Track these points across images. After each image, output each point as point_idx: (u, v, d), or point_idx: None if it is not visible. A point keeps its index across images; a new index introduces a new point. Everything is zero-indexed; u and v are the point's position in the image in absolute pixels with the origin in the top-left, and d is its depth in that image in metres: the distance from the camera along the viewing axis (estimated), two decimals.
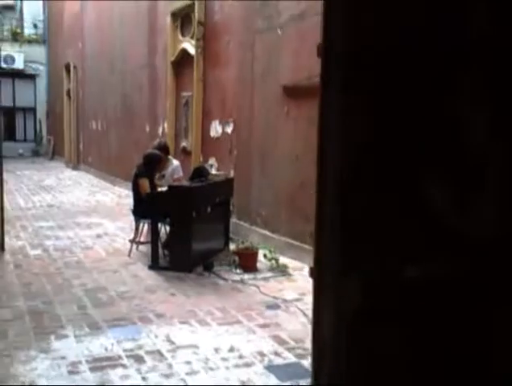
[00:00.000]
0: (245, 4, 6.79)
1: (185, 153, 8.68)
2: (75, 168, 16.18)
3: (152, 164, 6.03)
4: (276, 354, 3.49)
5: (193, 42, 8.05)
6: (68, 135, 16.93)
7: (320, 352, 1.15)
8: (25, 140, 21.45)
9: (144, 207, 5.79)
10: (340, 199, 1.07)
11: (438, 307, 1.00)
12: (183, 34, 8.65)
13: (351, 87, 1.05)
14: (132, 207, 6.25)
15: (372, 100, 1.00)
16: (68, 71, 16.51)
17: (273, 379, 3.13)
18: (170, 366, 3.30)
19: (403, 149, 1.00)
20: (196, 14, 7.82)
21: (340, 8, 1.06)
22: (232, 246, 6.11)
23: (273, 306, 4.41)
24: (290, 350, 3.54)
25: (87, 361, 3.34)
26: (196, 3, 7.80)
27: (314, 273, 1.22)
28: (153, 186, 5.97)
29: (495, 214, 0.92)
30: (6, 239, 6.37)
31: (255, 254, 5.55)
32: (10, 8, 20.89)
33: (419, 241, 1.02)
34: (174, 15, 8.75)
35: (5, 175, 6.56)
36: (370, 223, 1.08)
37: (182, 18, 8.64)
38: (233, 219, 6.86)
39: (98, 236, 7.06)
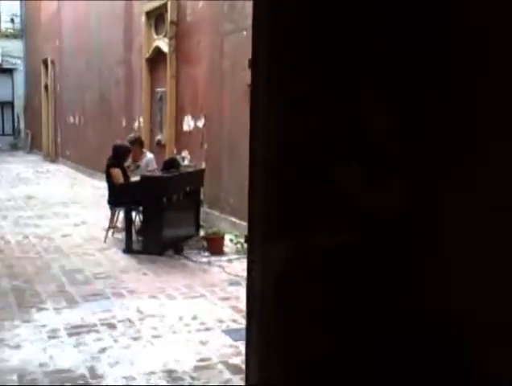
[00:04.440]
0: (214, 7, 7.23)
1: (160, 146, 9.10)
2: (53, 161, 16.43)
3: (120, 155, 6.45)
4: (233, 321, 3.98)
5: (166, 40, 8.46)
6: (46, 129, 17.16)
7: (251, 309, 1.37)
8: (3, 134, 21.54)
9: (118, 196, 6.21)
10: (265, 182, 1.31)
11: (350, 269, 1.20)
12: (157, 33, 9.05)
13: (273, 92, 1.36)
14: (107, 197, 6.66)
15: (289, 103, 1.23)
16: (46, 66, 16.72)
17: (228, 340, 3.62)
18: (138, 331, 3.76)
19: (317, 141, 1.21)
20: (169, 15, 8.23)
21: (266, 31, 1.28)
22: (202, 232, 6.56)
23: (235, 283, 4.88)
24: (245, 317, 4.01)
25: (65, 328, 3.78)
26: (169, 4, 8.21)
27: (247, 239, 1.60)
28: (125, 175, 6.39)
29: (396, 191, 1.12)
30: None
31: (222, 238, 6.02)
32: None
33: (334, 215, 1.21)
34: (148, 14, 9.14)
35: None
36: (291, 199, 1.41)
37: (156, 18, 9.03)
38: (204, 208, 7.30)
39: (76, 225, 7.44)
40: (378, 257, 1.16)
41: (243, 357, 1.54)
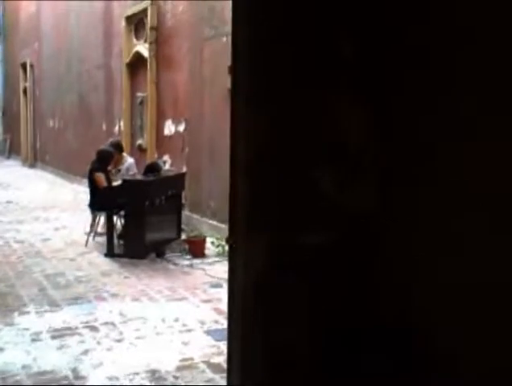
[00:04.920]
0: (194, 13, 7.31)
1: (141, 151, 9.13)
2: (32, 166, 16.29)
3: (104, 159, 6.48)
4: (215, 322, 4.05)
5: (146, 45, 8.50)
6: (25, 134, 17.00)
7: (233, 308, 1.41)
8: None
9: (100, 200, 6.23)
10: (246, 183, 1.35)
11: (326, 265, 1.24)
12: (137, 38, 9.09)
13: (251, 98, 1.46)
14: (89, 201, 6.68)
15: (267, 107, 1.27)
16: (25, 69, 16.60)
17: (210, 340, 3.69)
18: (121, 333, 3.81)
19: (295, 143, 1.25)
20: (149, 20, 8.28)
21: (245, 38, 1.32)
22: (183, 236, 6.62)
23: (216, 285, 4.95)
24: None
25: (48, 331, 3.81)
26: (149, 9, 8.26)
27: (228, 240, 1.67)
28: (108, 180, 6.42)
29: (369, 192, 1.17)
30: None
31: (203, 241, 6.09)
32: None
33: (311, 214, 1.29)
34: (128, 19, 9.18)
35: None
36: (271, 200, 1.48)
37: (136, 23, 9.07)
38: (186, 212, 7.36)
39: (56, 229, 7.44)
40: (355, 256, 1.21)
41: (225, 356, 1.60)
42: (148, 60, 8.42)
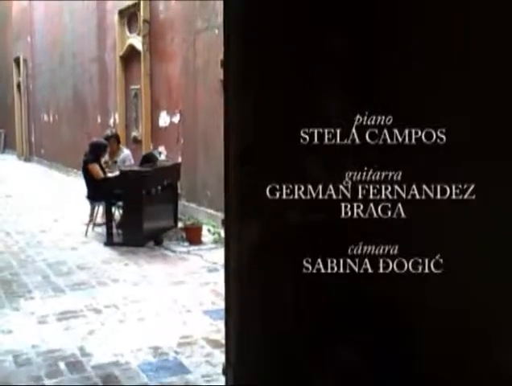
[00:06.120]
0: (186, 5, 7.45)
1: (136, 142, 9.28)
2: (27, 160, 16.41)
3: (98, 150, 6.65)
4: (212, 303, 4.24)
5: (140, 38, 8.64)
6: (20, 128, 17.09)
7: (228, 279, 1.61)
8: None
9: (98, 191, 6.40)
10: (237, 169, 1.50)
11: (313, 241, 1.37)
12: (130, 31, 9.21)
13: (243, 90, 1.50)
14: (86, 192, 6.84)
15: (258, 99, 1.42)
16: (18, 64, 16.65)
17: (208, 319, 3.89)
18: (124, 314, 4.00)
19: (284, 131, 1.38)
20: (142, 13, 8.41)
21: (236, 30, 1.49)
22: (180, 225, 6.80)
23: (213, 270, 5.15)
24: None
25: (53, 314, 3.99)
26: (142, 3, 8.39)
27: (224, 222, 1.82)
28: (103, 170, 6.58)
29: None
30: None
31: (200, 229, 6.28)
32: None
33: (301, 205, 1.38)
34: (121, 13, 9.30)
35: None
36: (263, 183, 1.63)
37: (129, 16, 9.20)
38: (182, 202, 7.54)
39: (55, 221, 7.60)
40: (340, 243, 1.34)
41: (223, 334, 1.77)
42: (142, 53, 8.56)
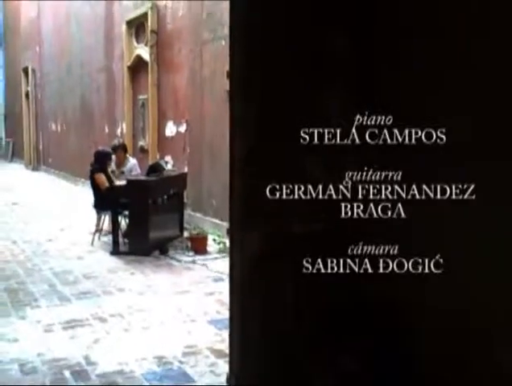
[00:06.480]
0: (193, 16, 7.52)
1: (143, 152, 9.34)
2: (35, 169, 16.51)
3: (102, 159, 6.69)
4: (217, 312, 4.25)
5: (147, 49, 8.71)
6: (28, 137, 17.22)
7: (233, 287, 1.68)
8: None
9: (104, 200, 6.44)
10: (243, 178, 1.55)
11: (313, 241, 1.40)
12: (137, 42, 9.30)
13: (248, 100, 1.56)
14: (93, 201, 6.88)
15: (263, 109, 1.48)
16: (27, 73, 16.82)
17: (212, 329, 3.89)
18: (129, 323, 4.01)
19: (283, 132, 1.41)
20: (150, 23, 8.50)
21: (242, 46, 1.55)
22: (186, 234, 6.82)
23: (218, 279, 5.16)
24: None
25: (59, 323, 4.01)
26: (149, 13, 8.47)
27: (229, 232, 1.84)
28: (109, 179, 6.62)
29: (355, 181, 1.32)
30: None
31: (205, 238, 6.29)
32: None
33: (304, 206, 1.44)
34: (129, 24, 9.39)
35: None
36: (266, 193, 1.66)
37: (136, 27, 9.28)
38: (188, 211, 7.56)
39: (62, 230, 7.64)
40: (340, 243, 1.36)
41: (227, 343, 1.77)
42: (149, 63, 8.64)
